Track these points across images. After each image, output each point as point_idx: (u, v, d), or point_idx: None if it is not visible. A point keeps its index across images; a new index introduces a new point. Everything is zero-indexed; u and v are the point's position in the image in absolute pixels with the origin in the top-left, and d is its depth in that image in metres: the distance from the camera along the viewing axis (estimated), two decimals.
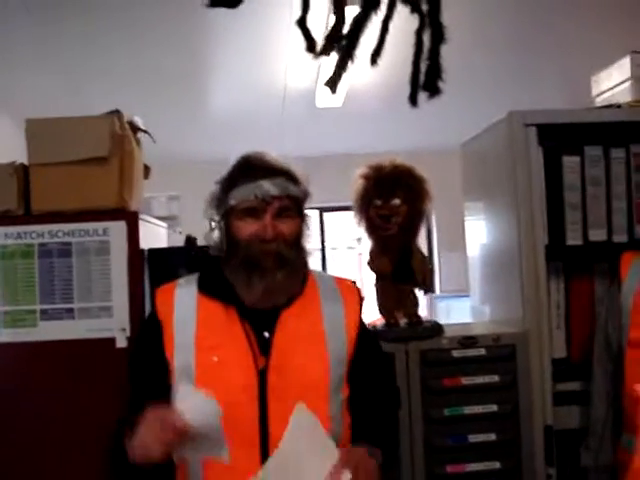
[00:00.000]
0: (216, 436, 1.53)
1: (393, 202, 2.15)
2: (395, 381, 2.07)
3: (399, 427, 1.92)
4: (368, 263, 2.28)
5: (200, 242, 2.28)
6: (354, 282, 1.87)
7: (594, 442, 2.21)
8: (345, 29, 1.51)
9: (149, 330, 1.74)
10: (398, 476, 2.13)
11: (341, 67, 1.50)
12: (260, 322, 1.68)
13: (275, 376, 1.62)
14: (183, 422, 1.46)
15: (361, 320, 1.79)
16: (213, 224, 1.73)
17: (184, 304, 1.71)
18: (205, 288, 1.72)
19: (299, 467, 1.53)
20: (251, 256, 1.64)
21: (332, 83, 1.52)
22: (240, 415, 1.59)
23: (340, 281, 1.85)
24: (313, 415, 1.56)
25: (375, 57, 1.61)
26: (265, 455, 1.57)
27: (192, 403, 1.51)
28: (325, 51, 1.49)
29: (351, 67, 1.51)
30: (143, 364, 1.74)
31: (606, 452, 2.19)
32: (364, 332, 1.79)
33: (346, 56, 1.48)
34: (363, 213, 2.21)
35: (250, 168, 1.69)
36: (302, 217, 1.75)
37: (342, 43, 1.48)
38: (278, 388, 1.62)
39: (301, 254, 1.73)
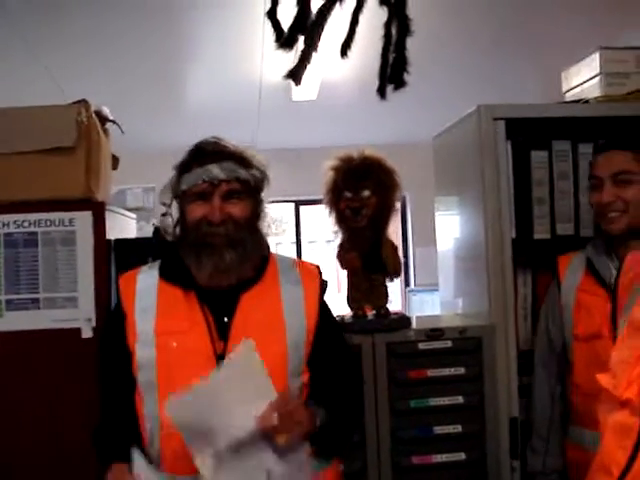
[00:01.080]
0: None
1: (363, 194, 2.16)
2: (358, 366, 2.06)
3: (358, 408, 1.93)
4: (337, 256, 2.28)
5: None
6: (317, 266, 1.88)
7: (540, 445, 2.16)
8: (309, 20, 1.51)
9: (113, 320, 1.77)
10: (364, 467, 2.14)
11: (304, 58, 1.50)
12: (220, 306, 1.69)
13: None
14: None
15: (322, 304, 1.81)
16: (165, 209, 1.76)
17: (145, 290, 1.73)
18: (165, 274, 1.75)
19: (230, 398, 1.54)
20: (199, 237, 1.68)
21: (294, 74, 1.52)
22: None
23: (301, 265, 1.87)
24: (257, 354, 1.57)
25: (345, 49, 1.61)
26: None
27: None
28: (288, 42, 1.49)
29: (315, 58, 1.51)
30: (109, 356, 1.76)
31: (554, 455, 2.14)
32: (325, 316, 1.81)
33: (309, 47, 1.48)
34: (333, 205, 2.21)
35: (201, 154, 1.72)
36: (255, 200, 1.76)
37: (305, 34, 1.48)
38: None
39: (255, 236, 1.75)
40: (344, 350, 1.89)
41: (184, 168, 1.72)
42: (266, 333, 1.68)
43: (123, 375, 1.69)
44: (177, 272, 1.73)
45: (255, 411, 1.54)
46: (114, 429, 1.72)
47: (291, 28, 1.49)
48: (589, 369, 1.95)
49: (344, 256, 2.24)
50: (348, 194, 2.16)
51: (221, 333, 1.67)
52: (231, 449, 1.53)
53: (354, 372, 1.93)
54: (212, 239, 1.67)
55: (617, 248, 2.04)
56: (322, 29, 1.49)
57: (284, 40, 1.49)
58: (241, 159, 1.73)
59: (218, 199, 1.69)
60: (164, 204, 1.76)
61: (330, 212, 2.24)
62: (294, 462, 1.60)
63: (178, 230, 1.75)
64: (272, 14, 1.57)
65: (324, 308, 1.82)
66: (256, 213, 1.77)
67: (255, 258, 1.75)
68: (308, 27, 1.50)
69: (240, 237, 1.69)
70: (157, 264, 1.79)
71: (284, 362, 1.68)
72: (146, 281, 1.75)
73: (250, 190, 1.74)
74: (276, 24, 1.57)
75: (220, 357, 1.64)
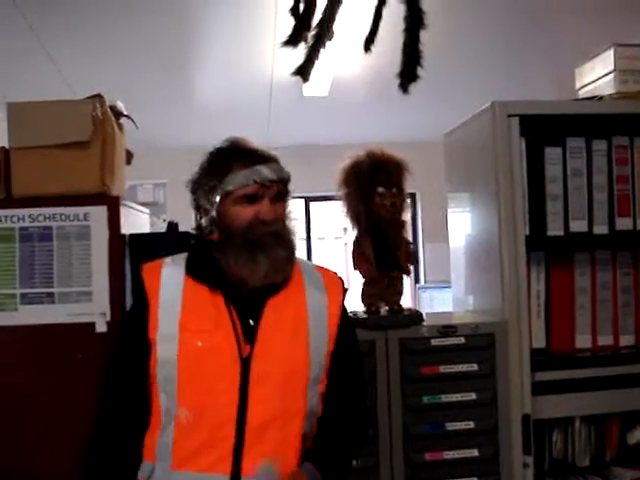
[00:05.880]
0: None
1: (394, 190, 2.19)
2: (364, 382, 1.97)
3: (359, 443, 1.88)
4: (353, 252, 2.28)
5: (182, 228, 2.29)
6: (339, 275, 1.87)
7: None
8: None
9: (135, 309, 1.74)
10: (376, 463, 2.14)
11: (312, 55, 1.49)
12: (245, 309, 1.68)
13: (258, 364, 1.63)
14: None
15: (343, 312, 1.80)
16: (203, 210, 1.71)
17: (171, 284, 1.70)
18: (193, 271, 1.72)
19: None
20: (254, 238, 1.65)
21: (302, 71, 1.52)
22: (219, 400, 1.60)
23: (323, 271, 1.85)
24: None
25: (369, 44, 1.61)
26: (240, 436, 1.59)
27: None
28: (294, 40, 1.49)
29: (326, 55, 1.51)
30: (125, 345, 1.74)
31: None
32: (345, 325, 1.79)
33: (317, 44, 1.48)
34: (360, 200, 2.20)
35: (243, 154, 1.70)
36: (288, 200, 1.77)
37: (313, 31, 1.48)
38: (260, 376, 1.62)
39: (292, 233, 1.75)
40: (359, 365, 1.87)
41: (226, 168, 1.68)
42: (291, 338, 1.67)
43: (137, 368, 1.66)
44: (206, 270, 1.71)
45: None
46: (113, 431, 1.70)
47: (297, 25, 1.49)
48: None
49: (359, 252, 2.24)
50: (381, 189, 2.17)
51: (247, 336, 1.65)
52: None
53: (363, 391, 1.89)
54: (267, 238, 1.65)
55: None
56: (330, 26, 1.49)
57: (290, 37, 1.48)
58: (278, 160, 1.73)
59: (268, 200, 1.67)
60: (201, 206, 1.71)
61: (351, 207, 2.23)
62: None
63: (216, 230, 1.70)
64: (295, 10, 1.56)
65: (345, 317, 1.80)
66: (289, 212, 1.77)
67: (295, 257, 1.75)
68: (316, 24, 1.50)
69: (288, 237, 1.71)
70: (182, 259, 1.76)
71: (306, 369, 1.67)
72: (171, 275, 1.72)
73: (287, 190, 1.75)
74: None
75: (245, 360, 1.62)
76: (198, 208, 1.73)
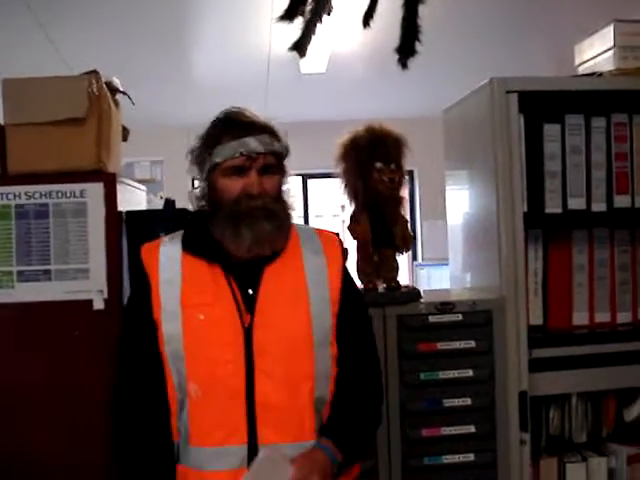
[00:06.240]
0: None
1: (392, 165, 2.18)
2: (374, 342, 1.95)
3: (377, 416, 1.85)
4: (348, 227, 2.28)
5: (179, 205, 2.28)
6: (337, 234, 1.86)
7: None
8: None
9: (138, 292, 1.75)
10: (374, 440, 2.15)
11: (309, 30, 1.48)
12: (244, 279, 1.68)
13: (261, 333, 1.64)
14: None
15: (344, 271, 1.79)
16: (196, 182, 1.73)
17: (169, 262, 1.71)
18: (189, 246, 1.72)
19: None
20: (239, 210, 1.65)
21: (299, 46, 1.50)
22: (227, 371, 1.62)
23: (322, 233, 1.85)
24: (287, 462, 1.54)
25: (367, 19, 1.59)
26: (251, 406, 1.60)
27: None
28: (290, 14, 1.47)
29: (323, 31, 1.49)
30: (134, 328, 1.74)
31: None
32: (348, 284, 1.79)
33: (313, 19, 1.46)
34: (358, 175, 2.19)
35: (233, 125, 1.69)
36: (283, 173, 1.75)
37: (310, 5, 1.46)
38: (264, 344, 1.63)
39: (285, 208, 1.74)
40: (367, 325, 1.86)
41: (215, 140, 1.68)
42: (292, 304, 1.68)
43: (149, 347, 1.67)
44: (202, 244, 1.71)
45: None
46: (138, 417, 1.69)
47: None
48: None
49: (355, 228, 2.24)
50: (379, 164, 2.16)
51: (247, 306, 1.66)
52: None
53: (374, 354, 1.86)
54: (252, 211, 1.64)
55: None
56: (327, 0, 1.47)
57: (285, 12, 1.47)
58: (272, 131, 1.71)
59: (255, 173, 1.66)
60: (195, 178, 1.73)
61: (349, 182, 2.22)
62: None
63: (205, 202, 1.72)
64: None
65: (347, 277, 1.80)
66: (284, 185, 1.75)
67: (287, 229, 1.73)
68: None
69: (276, 209, 1.68)
70: (178, 236, 1.76)
71: (309, 333, 1.67)
72: (169, 253, 1.73)
73: (281, 163, 1.73)
74: None
75: (247, 329, 1.63)
76: (193, 181, 1.74)
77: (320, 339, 1.68)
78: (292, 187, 1.80)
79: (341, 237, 1.86)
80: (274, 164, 1.70)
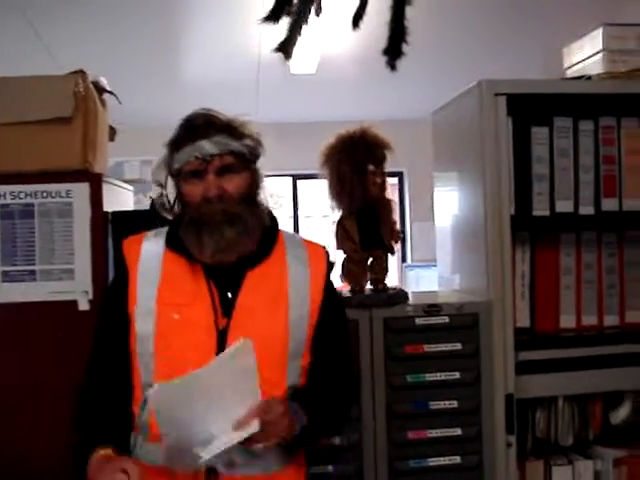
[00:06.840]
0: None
1: (382, 167, 2.19)
2: (351, 355, 1.96)
3: (347, 405, 1.87)
4: (336, 231, 2.27)
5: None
6: (324, 247, 1.85)
7: None
8: None
9: (115, 284, 1.75)
10: (359, 441, 2.15)
11: (294, 31, 1.46)
12: (225, 282, 1.67)
13: (234, 337, 1.61)
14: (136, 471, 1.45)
15: (328, 286, 1.77)
16: (160, 188, 1.73)
17: (150, 258, 1.70)
18: (173, 244, 1.71)
19: (214, 395, 1.49)
20: (198, 217, 1.64)
21: (283, 47, 1.48)
22: (189, 371, 1.56)
23: (309, 244, 1.83)
24: (254, 357, 1.51)
25: (357, 20, 1.57)
26: None
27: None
28: (275, 15, 1.46)
29: (312, 32, 1.48)
30: (107, 320, 1.74)
31: None
32: (330, 299, 1.77)
33: (299, 20, 1.45)
34: (356, 179, 2.17)
35: (190, 129, 1.67)
36: (251, 172, 1.72)
37: (294, 6, 1.45)
38: None
39: (254, 209, 1.70)
40: (344, 339, 1.86)
41: (176, 145, 1.67)
42: (270, 311, 1.66)
43: (119, 341, 1.66)
44: (184, 243, 1.69)
45: (237, 414, 1.50)
46: (100, 400, 1.68)
47: (279, 0, 1.46)
48: None
49: (343, 231, 2.23)
50: (372, 167, 2.16)
51: (225, 309, 1.64)
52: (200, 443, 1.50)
53: (349, 365, 1.87)
54: (212, 217, 1.62)
55: None
56: (314, 1, 1.46)
57: (270, 12, 1.45)
58: (232, 130, 1.67)
59: (212, 175, 1.64)
60: (159, 184, 1.72)
61: (344, 186, 2.20)
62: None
63: (177, 208, 1.71)
64: None
65: (330, 291, 1.78)
66: (254, 185, 1.72)
67: (256, 232, 1.70)
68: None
69: (238, 212, 1.64)
70: (163, 232, 1.75)
71: (285, 342, 1.66)
72: (151, 248, 1.71)
73: (245, 162, 1.69)
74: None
75: (221, 332, 1.62)
76: (159, 186, 1.74)
77: (294, 350, 1.68)
78: (268, 186, 1.78)
79: (328, 250, 1.84)
80: (234, 164, 1.66)
